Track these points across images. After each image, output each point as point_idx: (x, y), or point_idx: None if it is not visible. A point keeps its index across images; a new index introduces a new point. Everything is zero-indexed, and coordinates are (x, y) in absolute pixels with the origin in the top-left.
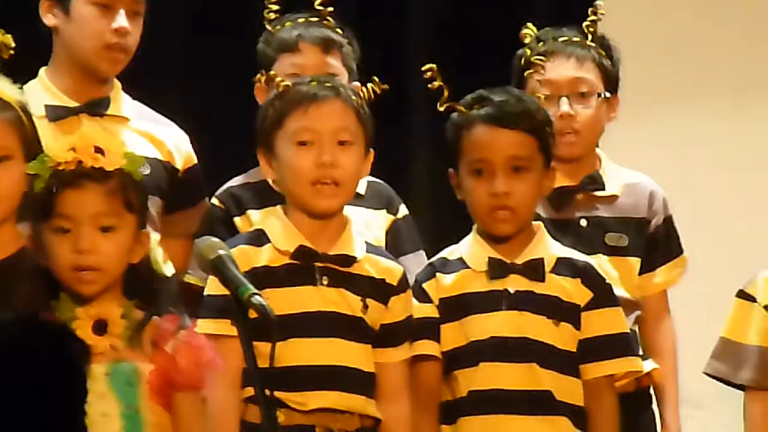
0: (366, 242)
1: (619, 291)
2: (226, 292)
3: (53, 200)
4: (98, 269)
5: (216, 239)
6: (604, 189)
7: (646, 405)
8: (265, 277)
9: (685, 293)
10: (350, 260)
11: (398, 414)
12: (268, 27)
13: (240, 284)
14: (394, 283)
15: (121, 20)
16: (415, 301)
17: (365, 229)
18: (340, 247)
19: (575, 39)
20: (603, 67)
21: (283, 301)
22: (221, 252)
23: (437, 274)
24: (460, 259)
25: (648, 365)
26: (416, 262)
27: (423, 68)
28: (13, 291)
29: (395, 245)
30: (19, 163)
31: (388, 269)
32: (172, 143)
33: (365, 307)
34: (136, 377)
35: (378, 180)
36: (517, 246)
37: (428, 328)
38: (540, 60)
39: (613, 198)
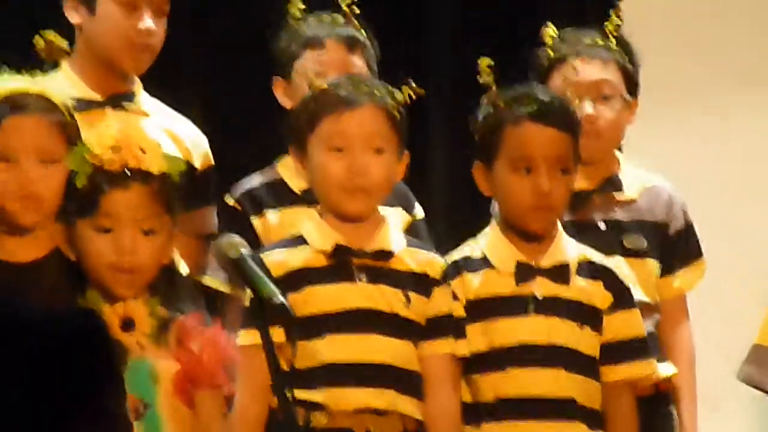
0: (406, 237)
1: (638, 294)
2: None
3: (98, 198)
4: (137, 271)
5: (237, 237)
6: (622, 191)
7: (664, 406)
8: (303, 277)
9: (703, 294)
10: (388, 255)
11: (444, 408)
12: (293, 23)
13: (261, 283)
14: (437, 276)
15: (148, 21)
16: None
17: None
18: (376, 243)
19: (599, 41)
20: (625, 70)
21: (323, 299)
22: (243, 250)
23: (463, 272)
24: (484, 258)
25: (667, 369)
26: None
27: (480, 61)
28: (45, 288)
29: None
30: (65, 166)
31: (429, 261)
32: (190, 141)
33: (408, 300)
34: (154, 374)
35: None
36: (540, 246)
37: (458, 327)
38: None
39: (631, 201)
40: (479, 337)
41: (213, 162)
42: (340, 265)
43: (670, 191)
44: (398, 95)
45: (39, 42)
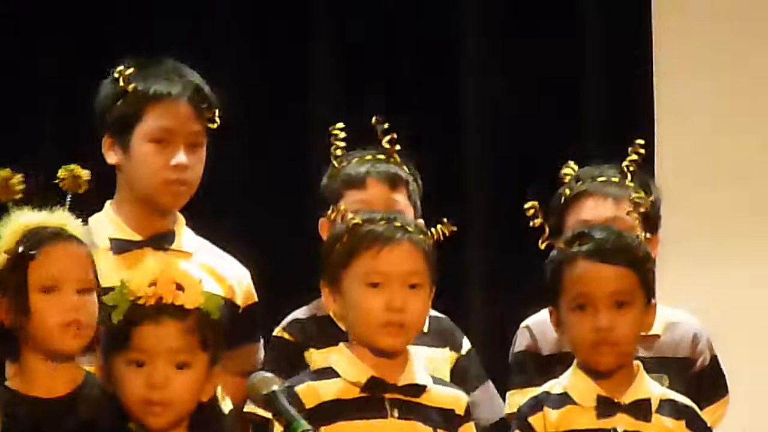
0: (430, 375)
1: None
2: None
3: (130, 332)
4: (168, 404)
5: (269, 374)
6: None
7: None
8: (335, 410)
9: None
10: (419, 390)
11: None
12: (335, 163)
13: (292, 419)
14: (461, 413)
15: (179, 156)
16: None
17: (429, 366)
18: (407, 378)
19: (613, 179)
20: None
21: None
22: (275, 387)
23: (544, 408)
24: (565, 394)
25: None
26: (485, 394)
27: (525, 206)
28: (82, 422)
29: (462, 382)
30: (95, 299)
31: (454, 399)
32: (234, 279)
33: None
34: None
35: (440, 315)
36: (620, 383)
37: None
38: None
39: (653, 338)
40: None
41: (257, 299)
42: (373, 398)
43: (695, 329)
44: (432, 232)
45: (62, 173)
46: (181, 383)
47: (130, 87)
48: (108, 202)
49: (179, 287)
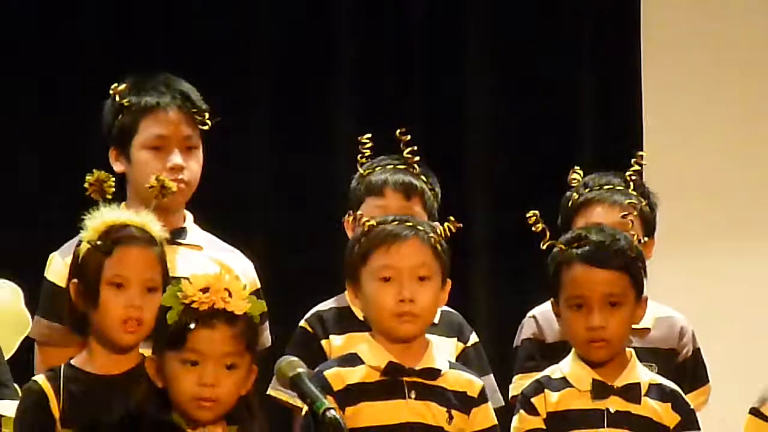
0: (448, 360)
1: None
2: None
3: (186, 334)
4: (217, 401)
5: (295, 358)
6: (637, 322)
7: None
8: (359, 393)
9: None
10: (435, 373)
11: None
12: (360, 169)
13: (316, 399)
14: (475, 395)
15: (175, 158)
16: (523, 413)
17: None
18: (425, 362)
19: (619, 187)
20: (643, 214)
21: (377, 414)
22: (300, 370)
23: (545, 390)
24: (564, 379)
25: None
26: (486, 386)
27: (528, 215)
28: (131, 399)
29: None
30: (160, 296)
31: (468, 382)
32: (239, 269)
33: (450, 417)
34: None
35: (451, 310)
36: (614, 369)
37: None
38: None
39: (645, 331)
40: None
41: (258, 287)
42: (392, 381)
43: (682, 323)
44: (439, 229)
45: (89, 179)
46: (229, 382)
47: (125, 101)
48: (122, 205)
49: (229, 293)
